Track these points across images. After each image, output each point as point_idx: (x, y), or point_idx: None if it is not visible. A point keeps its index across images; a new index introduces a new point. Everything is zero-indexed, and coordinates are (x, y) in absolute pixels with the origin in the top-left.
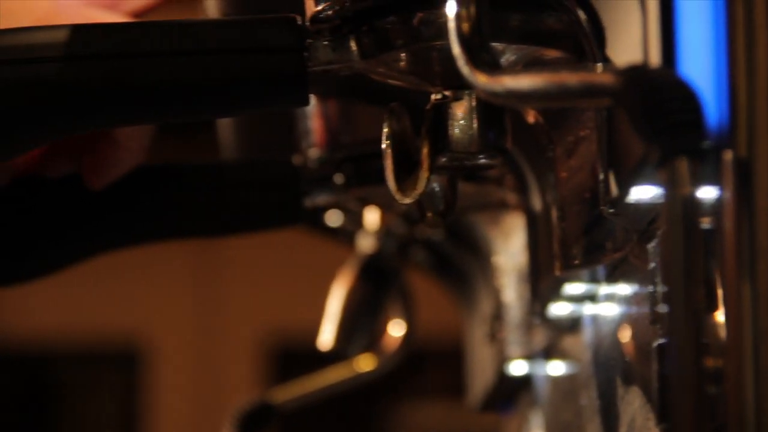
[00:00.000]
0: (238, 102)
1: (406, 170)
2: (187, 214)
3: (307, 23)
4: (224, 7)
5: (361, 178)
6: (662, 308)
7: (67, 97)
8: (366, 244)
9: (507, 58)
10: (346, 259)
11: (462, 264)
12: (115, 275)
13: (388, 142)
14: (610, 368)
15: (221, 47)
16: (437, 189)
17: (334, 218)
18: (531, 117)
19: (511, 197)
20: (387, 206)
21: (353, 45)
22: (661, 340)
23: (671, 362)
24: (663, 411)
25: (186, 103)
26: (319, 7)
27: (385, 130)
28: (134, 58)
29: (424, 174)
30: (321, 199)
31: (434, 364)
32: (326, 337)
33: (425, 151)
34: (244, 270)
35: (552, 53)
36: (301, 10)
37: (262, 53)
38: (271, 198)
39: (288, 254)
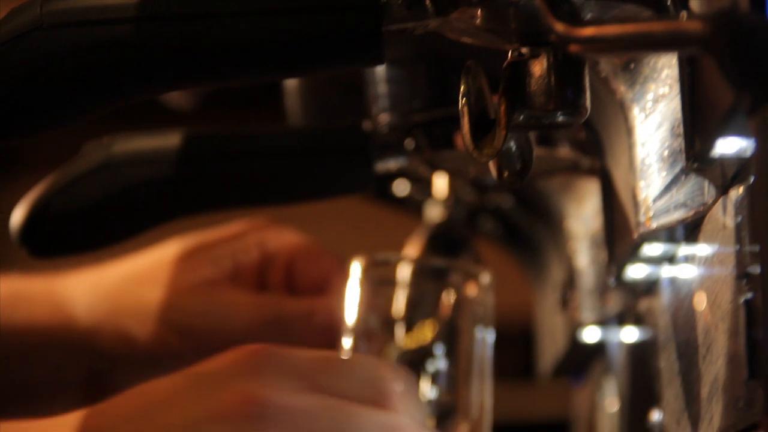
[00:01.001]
0: (313, 62)
1: (483, 130)
2: (256, 181)
3: None
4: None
5: (432, 142)
6: (751, 268)
7: (141, 58)
8: (434, 213)
9: (585, 14)
10: (412, 233)
11: (532, 231)
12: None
13: (465, 99)
14: (690, 329)
15: (296, 6)
16: (514, 148)
17: (402, 188)
18: (608, 76)
19: (585, 160)
20: (457, 173)
21: (428, 2)
22: (749, 296)
23: (762, 318)
24: (751, 367)
25: (261, 62)
26: None
27: (462, 88)
28: (209, 18)
29: (501, 131)
30: (391, 164)
31: (502, 344)
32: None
33: (502, 108)
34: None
35: (631, 8)
36: None
37: (337, 11)
38: (341, 164)
39: (353, 228)
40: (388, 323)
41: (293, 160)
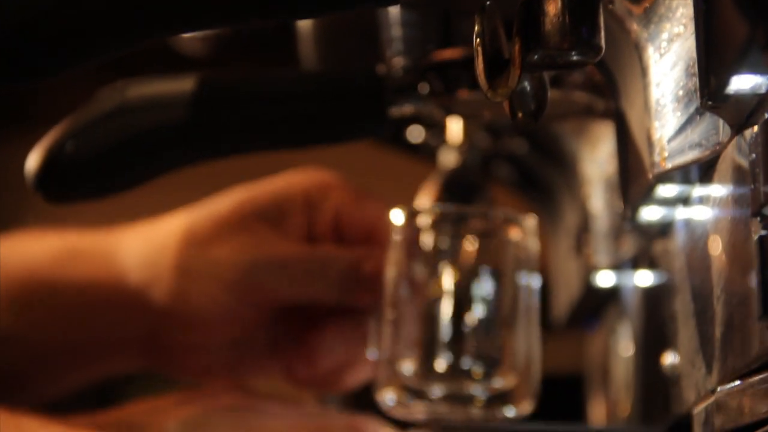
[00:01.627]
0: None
1: (497, 70)
2: (271, 125)
3: None
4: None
5: (447, 85)
6: (766, 208)
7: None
8: (449, 158)
9: None
10: (426, 179)
11: (546, 176)
12: (183, 189)
13: (479, 40)
14: (704, 271)
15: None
16: (528, 88)
17: (416, 134)
18: (623, 16)
19: (599, 103)
20: (471, 116)
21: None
22: (762, 233)
23: None
24: (764, 306)
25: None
26: None
27: (476, 28)
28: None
29: (515, 71)
30: (406, 108)
31: None
32: None
33: (517, 48)
34: None
35: None
36: None
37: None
38: (355, 107)
39: (366, 176)
40: (431, 270)
41: (307, 104)
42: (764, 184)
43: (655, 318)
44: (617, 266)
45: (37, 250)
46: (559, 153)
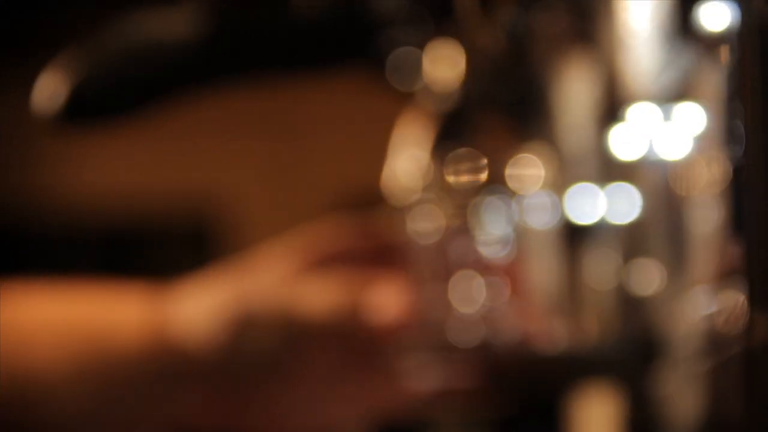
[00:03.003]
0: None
1: None
2: (260, 52)
3: None
4: None
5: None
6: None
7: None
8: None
9: None
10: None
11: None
12: (192, 135)
13: None
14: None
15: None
16: None
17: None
18: None
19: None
20: (461, 41)
21: None
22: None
23: (747, 181)
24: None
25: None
26: None
27: None
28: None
29: None
30: (395, 33)
31: None
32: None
33: None
34: (320, 124)
35: None
36: None
37: None
38: (343, 32)
39: (362, 113)
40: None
41: (294, 28)
42: None
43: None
44: None
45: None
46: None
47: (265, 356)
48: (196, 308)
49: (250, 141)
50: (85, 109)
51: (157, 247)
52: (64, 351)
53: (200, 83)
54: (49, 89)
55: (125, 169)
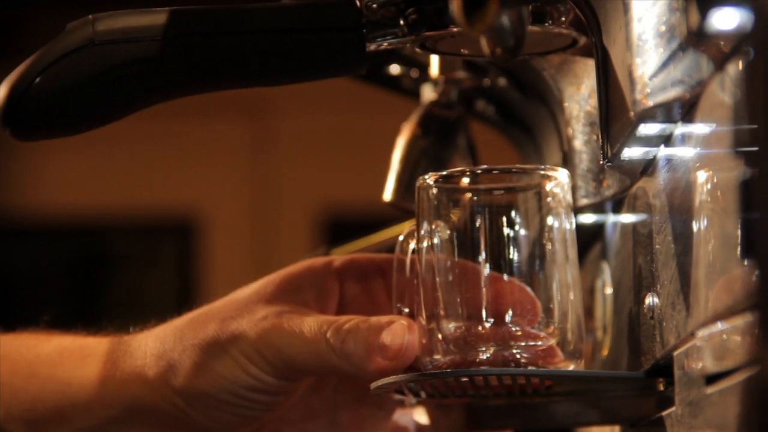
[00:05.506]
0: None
1: (475, 5)
2: (246, 60)
3: None
4: None
5: (425, 21)
6: (748, 147)
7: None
8: (429, 93)
9: None
10: (403, 123)
11: (527, 113)
12: (171, 147)
13: None
14: (686, 210)
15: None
16: (506, 24)
17: (397, 69)
18: None
19: (581, 39)
20: (449, 53)
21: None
22: (746, 176)
23: (756, 199)
24: (746, 246)
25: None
26: None
27: None
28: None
29: (493, 5)
30: (384, 44)
31: None
32: (388, 188)
33: None
34: (299, 140)
35: None
36: None
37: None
38: (333, 41)
39: (342, 124)
40: (465, 233)
41: (284, 39)
42: (747, 124)
43: (637, 257)
44: (599, 204)
45: (44, 348)
46: (540, 89)
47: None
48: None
49: (228, 158)
50: (39, 120)
51: (134, 265)
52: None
53: (164, 96)
54: (4, 97)
55: (98, 186)
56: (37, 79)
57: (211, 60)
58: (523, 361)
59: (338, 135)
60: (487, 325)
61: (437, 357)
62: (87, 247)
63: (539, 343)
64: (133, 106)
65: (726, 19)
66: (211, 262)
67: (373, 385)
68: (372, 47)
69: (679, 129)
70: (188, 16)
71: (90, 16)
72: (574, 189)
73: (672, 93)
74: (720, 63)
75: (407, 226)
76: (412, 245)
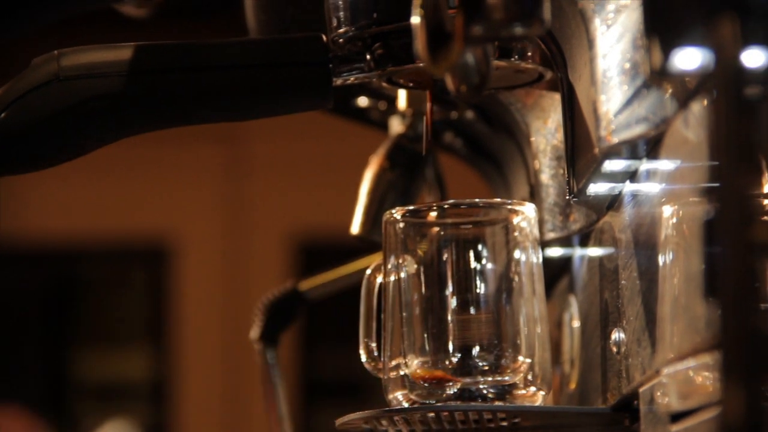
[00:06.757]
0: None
1: (439, 43)
2: (213, 96)
3: None
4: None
5: (391, 57)
6: (709, 184)
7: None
8: (397, 126)
9: None
10: (373, 153)
11: (495, 146)
12: (143, 172)
13: (421, 12)
14: (651, 247)
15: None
16: (471, 62)
17: (365, 101)
18: None
19: (548, 73)
20: (417, 87)
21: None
22: (709, 216)
23: (720, 237)
24: (709, 285)
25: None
26: None
27: (418, 0)
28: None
29: (458, 44)
30: (351, 78)
31: None
32: (356, 220)
33: (459, 20)
34: (271, 166)
35: None
36: None
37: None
38: (300, 76)
39: (315, 150)
40: (431, 268)
41: (251, 74)
42: (710, 161)
43: (603, 292)
44: (566, 238)
45: None
46: (507, 122)
47: None
48: None
49: (201, 184)
50: (3, 156)
51: (106, 290)
52: None
53: (129, 131)
54: None
55: (69, 211)
56: (2, 115)
57: (177, 96)
58: (489, 396)
59: (311, 161)
60: (454, 359)
61: (404, 392)
62: (58, 272)
63: (506, 377)
64: (98, 141)
65: (688, 59)
66: (183, 287)
67: (339, 421)
68: (338, 81)
69: (644, 165)
70: (154, 52)
71: (55, 52)
72: (541, 223)
73: (637, 130)
74: (684, 101)
75: (378, 257)
76: (380, 279)
